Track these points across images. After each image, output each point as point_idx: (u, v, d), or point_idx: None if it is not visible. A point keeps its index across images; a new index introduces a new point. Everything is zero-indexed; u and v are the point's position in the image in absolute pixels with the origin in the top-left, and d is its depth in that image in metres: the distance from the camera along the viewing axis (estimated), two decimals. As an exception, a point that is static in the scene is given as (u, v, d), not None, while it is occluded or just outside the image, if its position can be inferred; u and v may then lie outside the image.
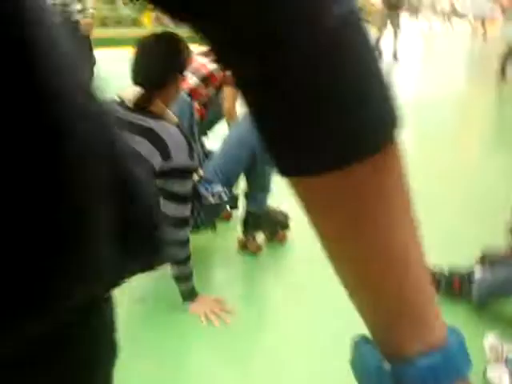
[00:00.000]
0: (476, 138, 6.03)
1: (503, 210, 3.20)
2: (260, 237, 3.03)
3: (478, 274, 2.42)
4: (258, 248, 2.95)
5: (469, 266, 2.51)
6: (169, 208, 2.21)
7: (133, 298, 2.53)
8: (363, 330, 0.44)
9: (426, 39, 19.32)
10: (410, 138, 5.78)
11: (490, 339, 2.11)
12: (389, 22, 11.34)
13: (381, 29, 11.46)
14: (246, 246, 2.96)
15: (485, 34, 19.20)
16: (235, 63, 0.36)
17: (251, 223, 2.94)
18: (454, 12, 26.63)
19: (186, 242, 2.28)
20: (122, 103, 2.19)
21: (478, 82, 9.80)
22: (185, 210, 2.24)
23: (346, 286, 0.42)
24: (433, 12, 23.78)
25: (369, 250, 0.39)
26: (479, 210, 3.62)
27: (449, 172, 4.52)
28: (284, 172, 0.39)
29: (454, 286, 2.47)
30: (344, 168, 0.36)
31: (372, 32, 12.29)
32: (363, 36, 0.36)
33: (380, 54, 11.31)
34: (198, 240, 2.90)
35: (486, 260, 2.50)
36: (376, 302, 0.41)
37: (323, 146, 0.36)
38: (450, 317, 2.34)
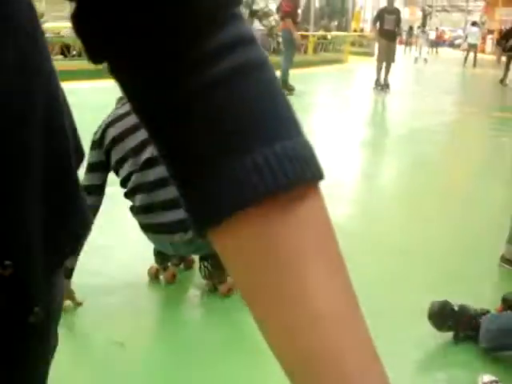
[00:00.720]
0: (468, 167, 5.95)
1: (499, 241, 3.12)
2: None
3: (486, 321, 2.29)
4: (229, 290, 2.63)
5: (480, 309, 2.38)
6: None
7: (110, 339, 2.32)
8: None
9: (418, 68, 19.65)
10: (402, 168, 5.74)
11: (485, 379, 2.05)
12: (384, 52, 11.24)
13: (381, 60, 11.38)
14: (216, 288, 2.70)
15: (475, 58, 20.66)
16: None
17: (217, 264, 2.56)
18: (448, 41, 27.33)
19: None
20: None
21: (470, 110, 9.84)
22: None
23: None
24: (422, 41, 24.37)
25: (271, 300, 0.35)
26: (472, 243, 3.51)
27: (442, 201, 4.45)
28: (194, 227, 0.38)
29: (460, 326, 2.34)
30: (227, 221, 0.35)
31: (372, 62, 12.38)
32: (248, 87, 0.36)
33: (387, 86, 11.30)
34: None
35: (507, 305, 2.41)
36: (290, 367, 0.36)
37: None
38: (453, 357, 2.26)
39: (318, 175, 0.37)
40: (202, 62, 0.36)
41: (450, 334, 2.37)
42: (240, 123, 0.36)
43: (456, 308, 2.36)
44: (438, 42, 32.07)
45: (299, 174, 0.35)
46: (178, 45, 0.36)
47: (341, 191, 4.66)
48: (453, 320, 2.34)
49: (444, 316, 2.36)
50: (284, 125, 0.37)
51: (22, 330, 0.44)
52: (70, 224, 0.49)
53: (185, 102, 0.36)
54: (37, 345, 0.47)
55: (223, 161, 0.35)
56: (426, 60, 22.15)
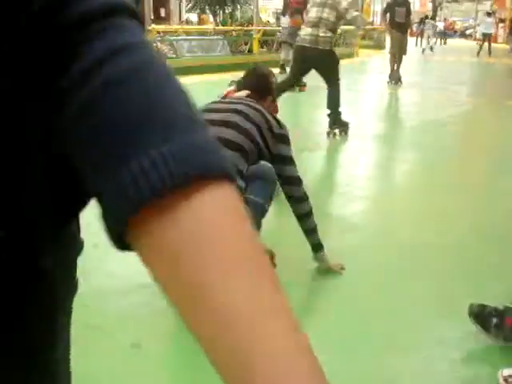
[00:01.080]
0: (483, 157, 5.90)
1: None
2: None
3: None
4: None
5: None
6: (286, 170, 2.66)
7: (127, 340, 2.32)
8: None
9: (429, 60, 19.53)
10: (417, 160, 5.71)
11: (505, 373, 2.02)
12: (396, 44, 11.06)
13: (393, 53, 11.23)
14: None
15: (489, 48, 20.96)
16: None
17: None
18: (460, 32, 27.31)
19: (303, 198, 2.70)
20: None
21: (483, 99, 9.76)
22: (295, 171, 2.70)
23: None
24: (430, 33, 24.33)
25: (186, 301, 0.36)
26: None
27: (459, 192, 4.46)
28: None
29: (504, 324, 2.25)
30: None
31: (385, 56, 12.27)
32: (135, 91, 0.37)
33: (399, 78, 11.18)
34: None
35: None
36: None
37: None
38: (475, 353, 2.25)
39: (213, 170, 0.36)
40: (80, 81, 0.37)
41: (470, 327, 2.33)
42: (124, 130, 0.36)
43: (501, 307, 2.29)
44: (446, 33, 31.90)
45: (186, 172, 0.35)
46: (49, 72, 0.38)
47: (355, 185, 4.64)
48: (498, 318, 2.26)
49: (485, 315, 2.28)
50: (173, 124, 0.37)
51: (34, 275, 0.46)
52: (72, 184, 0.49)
53: (70, 123, 0.38)
54: (52, 288, 0.49)
55: (111, 173, 0.36)
56: (432, 48, 22.31)
